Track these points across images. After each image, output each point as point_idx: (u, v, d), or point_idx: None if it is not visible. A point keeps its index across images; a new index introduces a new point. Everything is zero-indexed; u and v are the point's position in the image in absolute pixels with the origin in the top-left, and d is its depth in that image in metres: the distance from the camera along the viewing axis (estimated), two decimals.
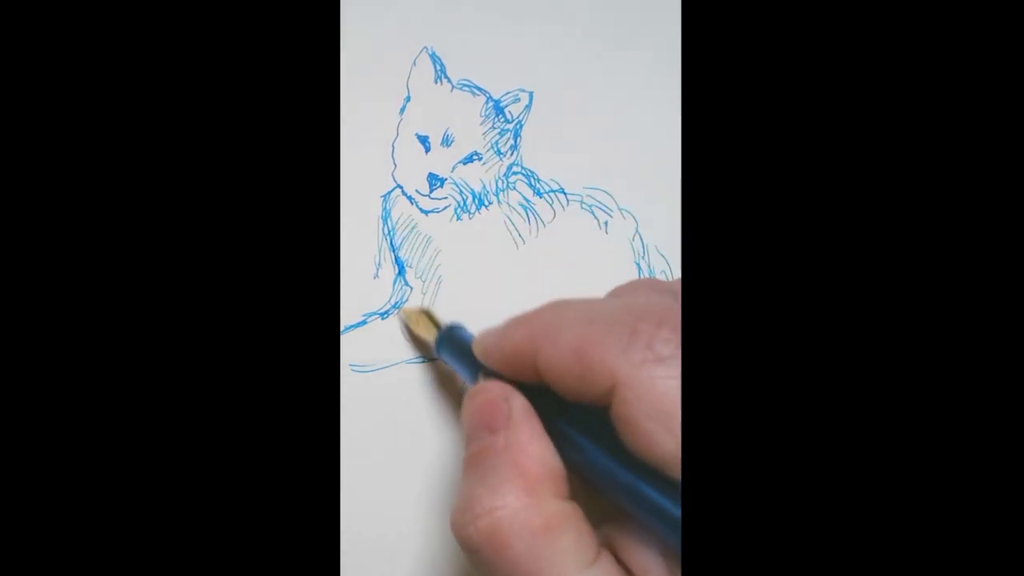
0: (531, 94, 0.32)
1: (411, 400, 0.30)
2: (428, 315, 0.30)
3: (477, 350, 0.25)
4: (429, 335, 0.29)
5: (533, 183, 0.32)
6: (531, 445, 0.22)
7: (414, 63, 0.32)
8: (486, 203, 0.31)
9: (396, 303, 0.31)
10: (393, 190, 0.31)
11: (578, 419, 0.23)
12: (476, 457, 0.23)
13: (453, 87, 0.32)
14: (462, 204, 0.31)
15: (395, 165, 0.31)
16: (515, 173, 0.32)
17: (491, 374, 0.25)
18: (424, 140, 0.31)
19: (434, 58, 0.32)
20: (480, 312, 0.31)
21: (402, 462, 0.30)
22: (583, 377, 0.21)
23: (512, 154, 0.32)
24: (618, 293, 0.25)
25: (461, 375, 0.27)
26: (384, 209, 0.31)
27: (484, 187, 0.31)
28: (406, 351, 0.30)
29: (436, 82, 0.32)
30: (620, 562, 0.22)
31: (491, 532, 0.21)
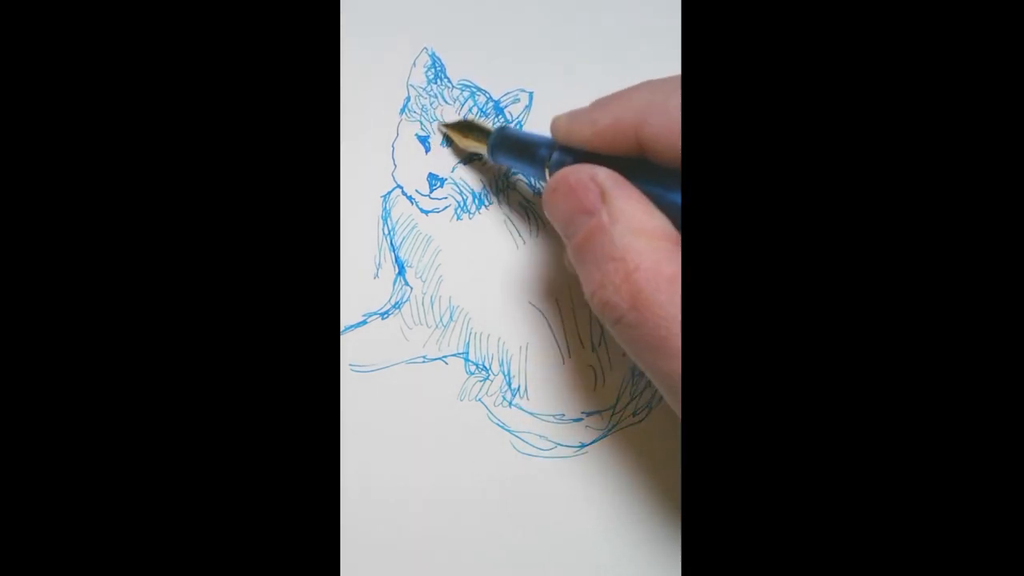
0: (531, 94, 0.32)
1: (411, 400, 0.30)
2: (473, 126, 0.30)
3: (560, 130, 0.26)
4: (478, 144, 0.29)
5: (533, 183, 0.32)
6: (636, 206, 0.23)
7: (414, 63, 0.32)
8: (486, 203, 0.31)
9: (396, 303, 0.31)
10: (393, 190, 0.31)
11: (672, 183, 0.23)
12: (586, 240, 0.24)
13: (453, 87, 0.32)
14: (462, 204, 0.31)
15: (395, 165, 0.31)
16: (515, 173, 0.32)
17: (564, 156, 0.25)
18: (424, 140, 0.31)
19: (434, 58, 0.32)
20: (480, 312, 0.31)
21: (402, 462, 0.30)
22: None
23: None
24: None
25: (524, 172, 0.28)
26: (384, 209, 0.31)
27: (484, 187, 0.31)
28: (406, 351, 0.30)
29: (436, 82, 0.32)
30: None
31: (632, 294, 0.22)
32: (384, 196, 0.31)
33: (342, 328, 0.30)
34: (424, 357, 0.31)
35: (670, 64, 0.33)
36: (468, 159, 0.31)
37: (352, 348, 0.30)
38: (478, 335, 0.31)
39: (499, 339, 0.31)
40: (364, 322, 0.30)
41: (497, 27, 0.33)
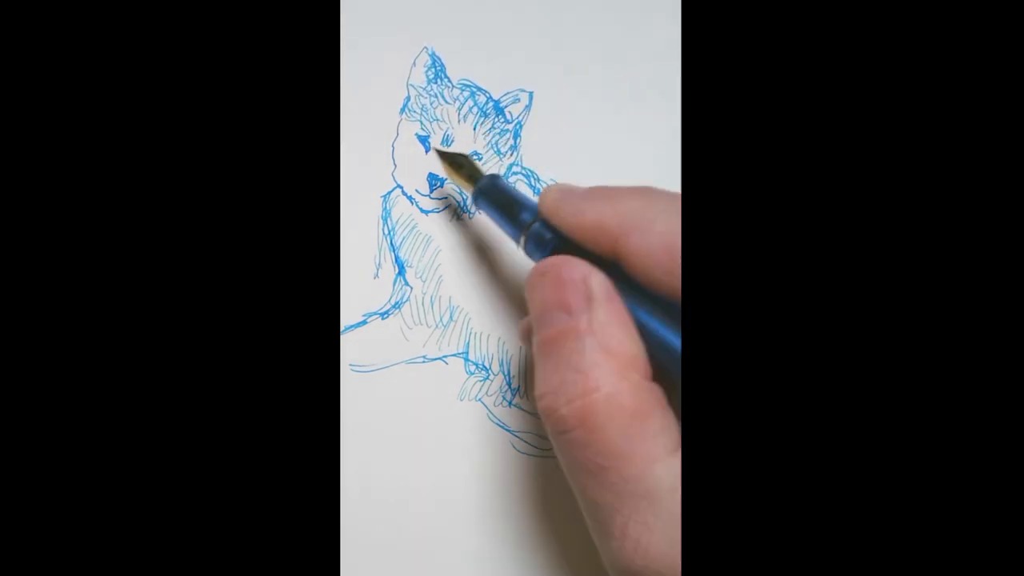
0: (531, 94, 0.32)
1: (411, 400, 0.30)
2: (465, 164, 0.29)
3: (547, 204, 0.25)
4: (465, 184, 0.29)
5: (533, 183, 0.32)
6: (617, 327, 0.22)
7: (414, 63, 0.32)
8: None
9: (396, 303, 0.31)
10: (393, 190, 0.31)
11: (650, 302, 0.22)
12: (556, 339, 0.23)
13: (453, 87, 0.32)
14: (462, 204, 0.31)
15: (395, 165, 0.31)
16: (515, 173, 0.32)
17: (544, 231, 0.25)
18: (424, 140, 0.31)
19: (434, 58, 0.32)
20: (480, 312, 0.31)
21: (402, 462, 0.30)
22: (671, 272, 0.21)
23: (512, 154, 0.32)
24: None
25: (502, 228, 0.27)
26: (384, 209, 0.31)
27: None
28: (406, 351, 0.30)
29: (436, 82, 0.32)
30: None
31: (584, 415, 0.21)
32: (384, 196, 0.31)
33: (342, 328, 0.30)
34: (424, 357, 0.31)
35: (670, 64, 0.33)
36: (441, 185, 0.31)
37: (352, 348, 0.30)
38: (478, 335, 0.31)
39: (499, 339, 0.31)
40: (364, 322, 0.30)
41: (497, 27, 0.33)
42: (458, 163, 0.29)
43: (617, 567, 0.21)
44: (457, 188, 0.31)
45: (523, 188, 0.32)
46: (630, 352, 0.22)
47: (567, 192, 0.25)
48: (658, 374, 0.23)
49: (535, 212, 0.26)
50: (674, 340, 0.22)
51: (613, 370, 0.22)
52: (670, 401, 0.22)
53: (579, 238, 0.24)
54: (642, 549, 0.21)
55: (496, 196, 0.27)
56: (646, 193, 0.23)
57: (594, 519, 0.22)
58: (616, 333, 0.22)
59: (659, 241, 0.22)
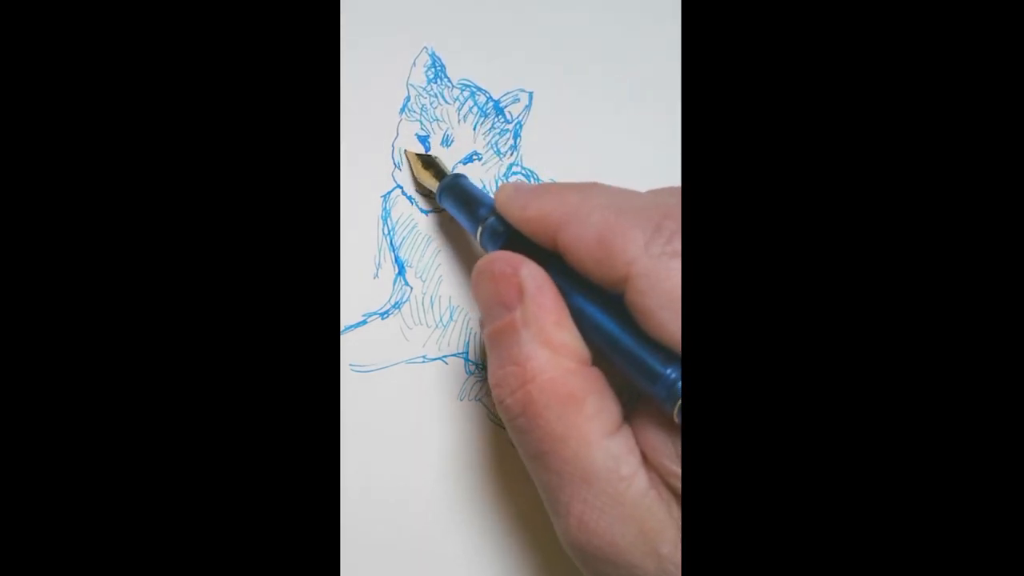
0: (531, 94, 0.32)
1: (411, 400, 0.30)
2: (432, 163, 0.30)
3: (499, 198, 0.26)
4: (431, 182, 0.30)
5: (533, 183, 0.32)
6: (548, 317, 0.23)
7: (414, 63, 0.32)
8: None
9: (396, 303, 0.31)
10: (393, 190, 0.31)
11: (590, 291, 0.24)
12: (497, 333, 0.24)
13: (453, 87, 0.32)
14: None
15: (395, 165, 0.31)
16: (515, 173, 0.32)
17: (498, 224, 0.26)
18: (424, 140, 0.31)
19: (434, 58, 0.32)
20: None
21: (402, 462, 0.30)
22: (601, 262, 0.22)
23: (512, 154, 0.32)
24: (654, 191, 0.26)
25: (462, 223, 0.28)
26: (384, 209, 0.31)
27: (484, 187, 0.31)
28: (406, 351, 0.30)
29: (436, 82, 0.32)
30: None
31: (525, 403, 0.23)
32: (384, 196, 0.31)
33: (342, 328, 0.30)
34: (424, 357, 0.31)
35: (670, 65, 0.33)
36: (416, 185, 0.31)
37: (352, 348, 0.30)
38: (478, 335, 0.31)
39: None
40: (364, 322, 0.30)
41: (497, 27, 0.33)
42: (426, 163, 0.30)
43: (566, 543, 0.23)
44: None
45: None
46: (563, 340, 0.23)
47: (519, 188, 0.26)
48: (597, 358, 0.24)
49: (491, 207, 0.27)
50: (609, 324, 0.23)
51: (547, 360, 0.23)
52: (610, 382, 0.23)
53: (526, 231, 0.25)
54: (584, 525, 0.22)
55: (459, 193, 0.29)
56: (587, 188, 0.25)
57: (546, 499, 0.24)
58: (547, 324, 0.23)
59: (593, 232, 0.23)
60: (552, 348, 0.23)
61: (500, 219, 0.26)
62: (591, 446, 0.22)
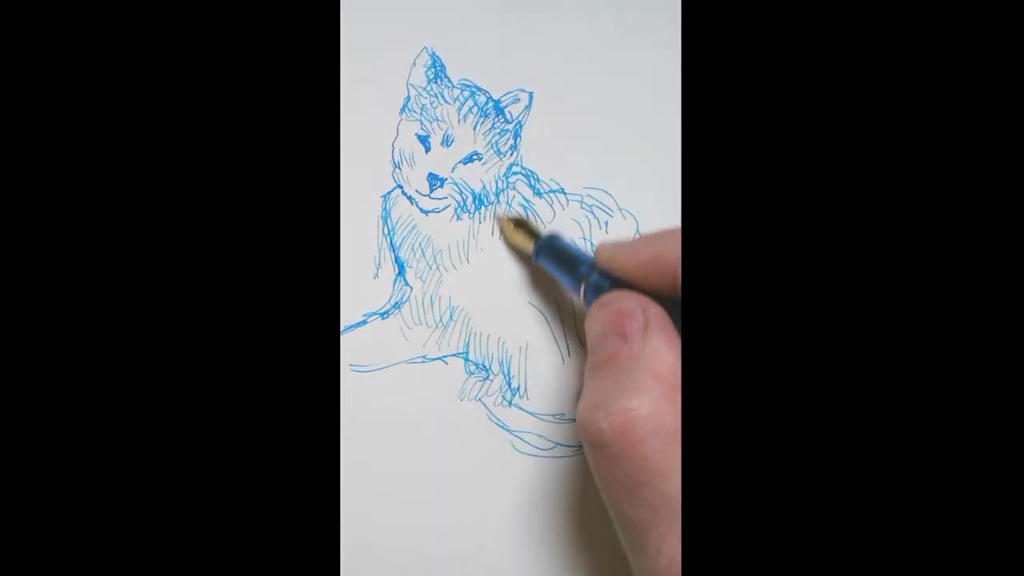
0: (531, 94, 0.32)
1: (411, 400, 0.30)
2: (525, 225, 0.31)
3: (603, 255, 0.27)
4: (525, 243, 0.30)
5: (533, 183, 0.32)
6: (667, 352, 0.23)
7: (414, 63, 0.32)
8: (486, 203, 0.31)
9: (396, 303, 0.31)
10: (393, 190, 0.31)
11: None
12: (607, 360, 0.24)
13: (453, 87, 0.32)
14: (462, 204, 0.31)
15: (395, 165, 0.31)
16: (515, 173, 0.32)
17: (602, 280, 0.27)
18: (424, 140, 0.31)
19: (434, 58, 0.32)
20: (480, 312, 0.31)
21: (402, 462, 0.30)
22: None
23: (512, 154, 0.32)
24: None
25: (561, 281, 0.29)
26: (384, 209, 0.31)
27: (484, 187, 0.31)
28: (406, 351, 0.30)
29: (436, 82, 0.32)
30: None
31: (625, 429, 0.22)
32: (384, 196, 0.31)
33: (342, 328, 0.30)
34: (424, 357, 0.31)
35: (670, 65, 0.33)
36: (511, 248, 0.31)
37: (352, 348, 0.30)
38: (478, 335, 0.31)
39: (499, 339, 0.31)
40: (364, 322, 0.30)
41: (497, 27, 0.33)
42: (518, 224, 0.31)
43: None
44: (457, 187, 0.31)
45: (523, 188, 0.32)
46: (675, 378, 0.23)
47: (621, 242, 0.27)
48: None
49: (592, 264, 0.28)
50: None
51: (659, 391, 0.22)
52: None
53: (638, 278, 0.25)
54: (676, 565, 0.21)
55: (556, 253, 0.29)
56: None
57: (628, 535, 0.22)
58: (667, 359, 0.23)
59: None
60: (667, 382, 0.23)
61: (603, 274, 0.27)
62: None
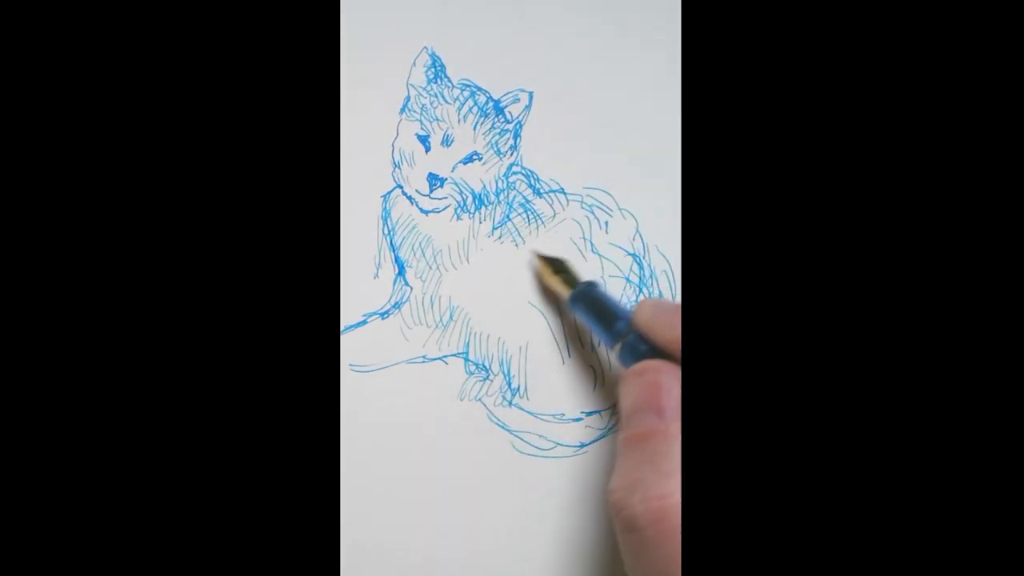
0: (531, 94, 0.32)
1: (411, 400, 0.30)
2: (564, 269, 0.30)
3: (642, 318, 0.26)
4: (562, 288, 0.29)
5: (533, 183, 0.32)
6: None
7: (414, 63, 0.32)
8: (486, 203, 0.31)
9: (396, 303, 0.31)
10: (393, 190, 0.31)
11: None
12: (642, 437, 0.23)
13: (453, 87, 0.32)
14: (462, 204, 0.31)
15: (395, 165, 0.31)
16: (515, 173, 0.32)
17: (639, 343, 0.26)
18: (424, 140, 0.31)
19: (434, 58, 0.32)
20: (480, 312, 0.31)
21: (402, 462, 0.30)
22: None
23: (512, 154, 0.32)
24: None
25: (596, 333, 0.28)
26: (384, 209, 0.31)
27: (484, 187, 0.31)
28: (406, 351, 0.30)
29: (436, 82, 0.32)
30: None
31: (660, 516, 0.21)
32: (384, 196, 0.31)
33: (342, 328, 0.30)
34: (424, 357, 0.31)
35: (670, 65, 0.33)
36: (544, 292, 0.31)
37: (352, 348, 0.30)
38: (478, 335, 0.31)
39: (499, 339, 0.31)
40: (364, 322, 0.30)
41: (497, 27, 0.33)
42: (558, 267, 0.30)
43: None
44: (457, 187, 0.31)
45: (523, 188, 0.32)
46: None
47: (660, 307, 0.26)
48: None
49: (629, 321, 0.27)
50: None
51: None
52: None
53: (673, 351, 0.25)
54: None
55: (592, 303, 0.28)
56: None
57: None
58: None
59: None
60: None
61: (641, 337, 0.26)
62: None
